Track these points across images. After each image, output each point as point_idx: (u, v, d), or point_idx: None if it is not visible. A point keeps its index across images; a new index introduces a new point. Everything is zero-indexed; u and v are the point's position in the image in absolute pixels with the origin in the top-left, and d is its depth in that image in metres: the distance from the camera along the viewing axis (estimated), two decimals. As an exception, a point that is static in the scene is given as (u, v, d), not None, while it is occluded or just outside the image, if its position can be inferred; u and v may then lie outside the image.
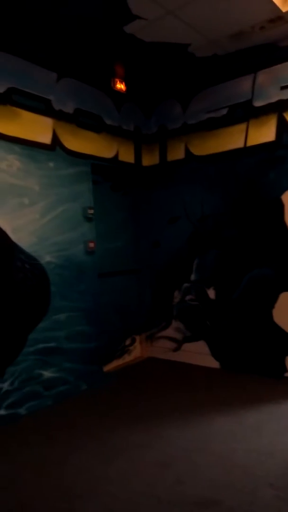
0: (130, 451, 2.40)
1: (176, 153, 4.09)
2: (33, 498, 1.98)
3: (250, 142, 3.57)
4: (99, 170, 3.83)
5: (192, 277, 4.01)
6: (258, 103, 3.51)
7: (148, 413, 2.93)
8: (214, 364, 3.89)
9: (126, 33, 3.07)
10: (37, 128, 3.19)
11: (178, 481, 2.06)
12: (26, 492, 2.03)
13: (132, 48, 3.32)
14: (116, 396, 3.35)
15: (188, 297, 4.06)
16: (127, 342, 4.33)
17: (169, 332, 4.24)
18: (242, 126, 3.62)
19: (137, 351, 4.43)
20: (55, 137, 3.33)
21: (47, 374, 3.20)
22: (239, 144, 3.63)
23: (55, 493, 2.01)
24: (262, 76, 3.48)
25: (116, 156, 3.94)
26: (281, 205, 3.42)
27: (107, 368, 3.98)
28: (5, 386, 2.90)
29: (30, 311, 3.10)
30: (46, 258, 3.24)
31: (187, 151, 4.00)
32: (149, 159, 4.31)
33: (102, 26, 2.97)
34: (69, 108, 3.45)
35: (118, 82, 3.77)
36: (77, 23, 2.93)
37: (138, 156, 4.23)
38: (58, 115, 3.35)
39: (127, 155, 4.08)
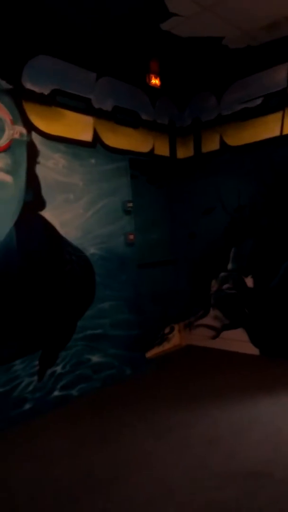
0: (178, 429, 2.55)
1: (211, 144, 4.16)
2: (93, 467, 2.17)
3: (287, 131, 3.59)
4: (136, 165, 3.95)
5: (229, 266, 4.09)
6: (293, 91, 3.52)
7: (191, 396, 3.07)
8: (254, 350, 3.96)
9: (162, 30, 3.17)
10: (79, 126, 3.36)
11: (228, 456, 2.19)
12: (87, 463, 2.22)
13: (167, 44, 3.42)
14: (159, 380, 3.51)
15: (225, 286, 4.14)
16: (166, 330, 4.47)
17: (207, 320, 4.35)
18: (278, 115, 3.64)
19: (176, 339, 4.57)
20: (95, 135, 3.49)
21: (95, 358, 3.40)
22: (275, 133, 3.66)
23: (113, 465, 2.19)
24: (298, 64, 3.49)
25: (152, 150, 4.06)
26: None
27: (148, 354, 4.14)
28: (59, 369, 3.12)
29: (78, 300, 3.30)
30: (90, 250, 3.42)
31: (222, 142, 4.06)
32: (184, 152, 4.40)
33: (139, 24, 3.09)
34: (108, 106, 3.59)
35: (153, 77, 3.87)
36: (115, 23, 3.06)
37: (173, 149, 4.33)
38: (98, 113, 3.50)
39: (162, 149, 4.19)
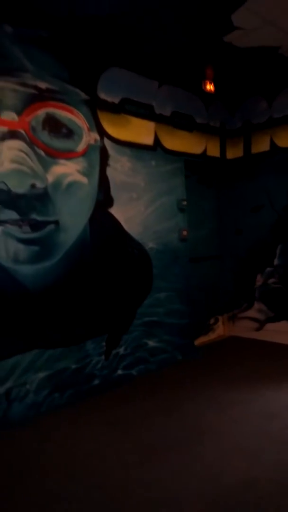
0: (235, 405, 2.85)
1: (261, 145, 4.37)
2: (166, 431, 2.52)
3: None
4: (189, 165, 4.23)
5: (276, 261, 4.32)
6: None
7: (241, 379, 3.36)
8: (297, 342, 4.20)
9: (224, 42, 3.41)
10: (142, 131, 3.67)
11: (286, 427, 2.48)
12: (160, 428, 2.57)
13: (225, 53, 3.66)
14: (209, 365, 3.81)
15: (271, 280, 4.38)
16: (211, 321, 4.77)
17: (251, 312, 4.61)
18: None
19: (220, 329, 4.86)
20: (156, 138, 3.79)
21: (151, 343, 3.75)
22: None
23: (182, 429, 2.53)
24: None
25: (205, 151, 4.33)
26: None
27: (196, 343, 4.45)
28: (121, 351, 3.48)
29: (138, 290, 3.65)
30: (149, 245, 3.75)
31: (272, 143, 4.27)
32: (233, 152, 4.63)
33: (202, 37, 3.34)
34: (167, 111, 3.89)
35: (208, 83, 4.10)
36: (179, 36, 3.32)
37: (223, 150, 4.57)
38: (158, 119, 3.80)
39: (213, 150, 4.45)
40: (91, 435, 2.55)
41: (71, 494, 1.97)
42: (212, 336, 4.75)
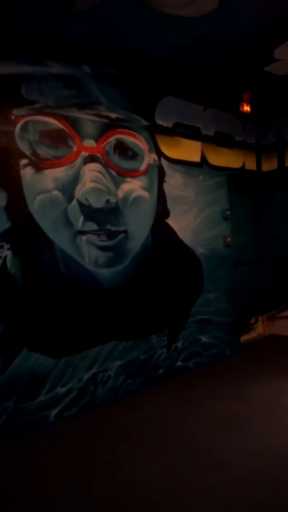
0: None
1: (295, 159, 4.82)
2: (233, 410, 2.91)
3: None
4: (229, 178, 4.68)
5: (312, 264, 4.70)
6: None
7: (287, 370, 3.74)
8: None
9: (264, 71, 3.89)
10: (191, 150, 4.15)
11: None
12: (227, 407, 2.97)
13: (263, 80, 4.14)
14: (256, 359, 4.18)
15: (308, 282, 4.75)
16: (252, 320, 5.14)
17: (290, 312, 4.97)
18: None
19: (260, 328, 5.22)
20: (203, 156, 4.27)
21: (204, 339, 4.15)
22: None
23: (249, 408, 2.92)
24: None
25: (243, 165, 4.78)
26: None
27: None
28: (179, 345, 3.90)
29: (192, 290, 4.08)
30: (199, 250, 4.19)
31: (305, 157, 4.70)
32: (268, 165, 5.07)
33: (245, 68, 3.83)
34: (211, 132, 4.37)
35: (245, 105, 4.61)
36: (224, 68, 3.82)
37: (259, 164, 5.02)
38: (204, 139, 4.28)
39: (251, 164, 4.90)
40: (170, 411, 2.97)
41: (165, 455, 2.38)
42: (253, 334, 5.12)
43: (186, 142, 4.11)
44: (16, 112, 2.84)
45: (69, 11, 2.65)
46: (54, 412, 2.92)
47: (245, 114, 4.71)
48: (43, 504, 1.99)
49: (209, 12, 2.85)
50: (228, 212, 4.49)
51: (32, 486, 2.15)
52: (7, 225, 2.76)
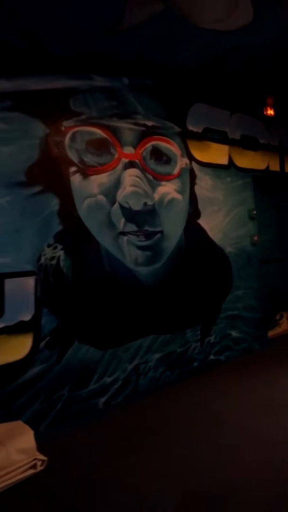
0: None
1: None
2: (270, 398, 3.10)
3: None
4: (254, 179, 4.87)
5: None
6: None
7: None
8: None
9: (287, 78, 4.08)
10: (219, 154, 4.36)
11: None
12: (264, 396, 3.16)
13: (286, 85, 4.32)
14: (284, 353, 4.36)
15: None
16: (277, 317, 5.31)
17: (315, 308, 5.13)
18: None
19: (285, 324, 5.38)
20: (230, 159, 4.47)
21: (234, 334, 4.35)
22: None
23: (285, 396, 3.11)
24: None
25: (268, 167, 4.96)
26: None
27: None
28: (212, 339, 4.10)
29: (222, 288, 4.28)
30: (228, 249, 4.38)
31: None
32: (291, 167, 5.25)
33: (269, 75, 4.02)
34: (237, 135, 4.57)
35: (268, 109, 4.78)
36: (249, 76, 4.02)
37: (282, 165, 5.19)
38: (231, 142, 4.48)
39: (274, 165, 5.07)
40: (210, 399, 3.17)
41: (212, 436, 2.59)
42: (278, 330, 5.28)
43: (215, 146, 4.31)
44: (66, 123, 3.09)
45: (115, 29, 2.88)
46: (102, 400, 3.16)
47: (269, 117, 4.88)
48: (98, 483, 2.21)
49: (243, 26, 3.06)
50: (255, 212, 4.67)
51: (88, 466, 2.37)
52: (59, 227, 3.01)
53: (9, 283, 2.71)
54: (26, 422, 2.58)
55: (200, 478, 2.16)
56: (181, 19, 2.87)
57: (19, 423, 2.49)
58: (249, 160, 4.71)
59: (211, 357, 4.06)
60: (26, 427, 2.42)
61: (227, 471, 2.20)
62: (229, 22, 2.97)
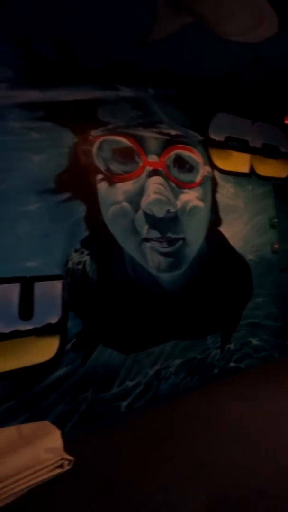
0: None
1: None
2: (291, 406, 3.10)
3: None
4: (274, 187, 4.88)
5: None
6: None
7: None
8: None
9: (311, 86, 4.11)
10: (241, 162, 4.40)
11: None
12: (277, 402, 3.16)
13: (309, 93, 4.35)
14: (305, 362, 4.34)
15: None
16: (297, 325, 5.27)
17: None
18: None
19: (304, 333, 5.34)
20: (251, 167, 4.50)
21: (254, 341, 4.34)
22: None
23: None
24: None
25: (289, 175, 4.98)
26: None
27: (285, 344, 4.98)
28: (232, 346, 4.11)
29: (243, 295, 4.29)
30: (248, 257, 4.40)
31: None
32: (312, 175, 5.24)
33: (293, 84, 4.07)
34: (258, 144, 4.60)
35: (289, 118, 4.82)
36: (269, 85, 4.06)
37: (303, 173, 5.20)
38: (252, 151, 4.52)
39: (295, 174, 5.09)
40: (231, 405, 3.18)
41: (232, 441, 2.61)
42: (298, 339, 5.24)
43: (236, 154, 4.36)
44: (93, 133, 3.19)
45: (145, 41, 2.98)
46: (125, 403, 3.20)
47: (290, 126, 4.92)
48: (123, 484, 2.25)
49: (268, 37, 3.12)
50: (276, 220, 4.68)
51: (113, 467, 2.41)
52: (86, 233, 3.09)
53: (38, 287, 2.80)
54: (52, 423, 2.65)
55: (225, 481, 2.18)
56: (207, 31, 2.94)
57: (46, 423, 2.55)
58: (270, 169, 4.73)
59: (231, 364, 4.07)
60: (53, 427, 2.49)
61: (252, 474, 2.21)
62: (255, 34, 3.03)
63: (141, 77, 3.52)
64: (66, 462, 2.31)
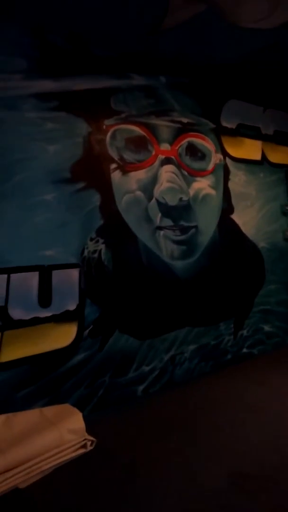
0: None
1: None
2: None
3: None
4: (286, 175, 4.86)
5: None
6: None
7: None
8: None
9: None
10: (253, 149, 4.39)
11: None
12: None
13: None
14: None
15: None
16: (309, 312, 5.29)
17: None
18: None
19: (316, 320, 5.36)
20: (263, 154, 4.49)
21: (266, 328, 4.38)
22: None
23: None
24: None
25: (301, 162, 4.95)
26: None
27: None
28: (245, 332, 4.16)
29: (255, 282, 4.32)
30: (261, 244, 4.41)
31: None
32: None
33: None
34: (270, 131, 4.58)
35: (302, 103, 4.77)
36: (281, 72, 4.02)
37: (315, 160, 5.16)
38: (264, 138, 4.50)
39: (307, 160, 5.06)
40: (247, 389, 3.25)
41: (250, 423, 2.67)
42: (310, 326, 5.27)
43: (248, 142, 4.34)
44: (107, 122, 3.21)
45: (157, 29, 2.98)
46: (141, 387, 3.28)
47: (302, 112, 4.87)
48: (146, 463, 2.33)
49: (281, 24, 3.09)
50: (287, 207, 4.68)
51: (134, 448, 2.50)
52: (101, 222, 3.14)
53: (56, 275, 2.86)
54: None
55: (246, 460, 2.25)
56: (220, 19, 2.93)
57: (68, 406, 2.64)
58: (282, 156, 4.71)
59: (244, 350, 4.12)
60: (75, 409, 2.57)
61: (271, 453, 2.28)
62: (269, 20, 3.01)
63: (154, 65, 3.51)
64: (89, 443, 2.40)
